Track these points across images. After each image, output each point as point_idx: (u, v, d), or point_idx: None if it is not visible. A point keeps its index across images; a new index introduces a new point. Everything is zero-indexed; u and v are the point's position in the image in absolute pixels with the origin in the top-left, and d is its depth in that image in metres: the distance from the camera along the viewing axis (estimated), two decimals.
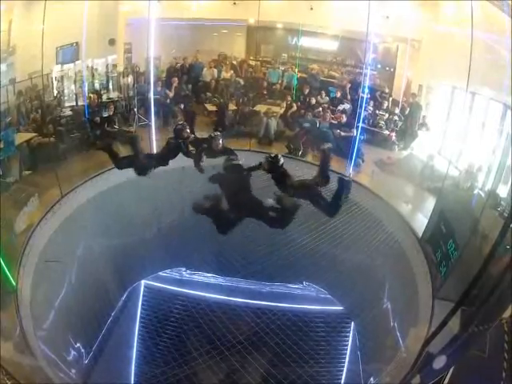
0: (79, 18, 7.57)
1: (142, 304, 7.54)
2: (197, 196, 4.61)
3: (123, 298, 7.53)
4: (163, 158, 5.06)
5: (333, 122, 8.16)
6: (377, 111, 8.49)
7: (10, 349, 4.29)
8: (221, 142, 4.98)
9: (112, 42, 8.54)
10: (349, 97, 8.72)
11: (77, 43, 8.17)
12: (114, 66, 8.74)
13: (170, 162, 5.06)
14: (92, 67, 8.43)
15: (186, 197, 6.38)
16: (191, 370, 6.88)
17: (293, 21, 9.00)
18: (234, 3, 8.77)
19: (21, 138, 7.17)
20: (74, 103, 8.17)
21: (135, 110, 8.38)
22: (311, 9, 8.55)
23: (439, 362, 3.75)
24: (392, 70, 8.96)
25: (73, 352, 5.79)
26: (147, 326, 7.34)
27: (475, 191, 6.17)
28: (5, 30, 7.23)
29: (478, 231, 4.99)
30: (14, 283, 4.94)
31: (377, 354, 6.37)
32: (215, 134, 5.12)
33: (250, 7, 8.13)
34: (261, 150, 7.73)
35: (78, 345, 6.01)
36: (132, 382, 7.08)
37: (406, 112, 8.34)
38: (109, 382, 6.52)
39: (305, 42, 9.31)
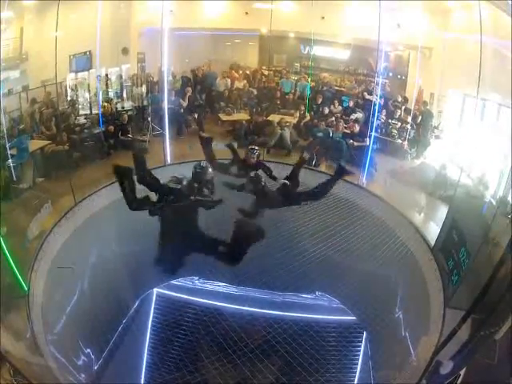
0: (92, 26, 7.66)
1: (154, 312, 7.49)
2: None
3: (135, 306, 7.51)
4: None
5: (346, 131, 8.14)
6: (389, 120, 8.45)
7: (23, 348, 4.34)
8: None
9: (125, 51, 8.63)
10: (361, 106, 8.71)
11: (90, 52, 8.27)
12: (128, 74, 8.83)
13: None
14: (106, 76, 8.52)
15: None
16: (202, 378, 6.86)
17: (304, 30, 9.04)
18: (246, 13, 8.87)
19: (34, 145, 7.28)
20: (89, 111, 8.27)
21: (149, 119, 8.42)
22: (323, 18, 8.60)
23: (446, 367, 3.76)
24: (404, 78, 8.99)
25: (83, 357, 5.74)
26: (158, 334, 7.26)
27: (486, 198, 6.16)
28: (16, 36, 7.38)
29: (489, 239, 4.97)
30: (25, 287, 5.00)
31: (388, 362, 6.28)
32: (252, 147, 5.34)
33: (262, 17, 8.19)
34: (274, 160, 7.61)
35: (89, 350, 5.94)
36: None
37: (418, 120, 8.32)
38: None
39: (317, 51, 9.36)
